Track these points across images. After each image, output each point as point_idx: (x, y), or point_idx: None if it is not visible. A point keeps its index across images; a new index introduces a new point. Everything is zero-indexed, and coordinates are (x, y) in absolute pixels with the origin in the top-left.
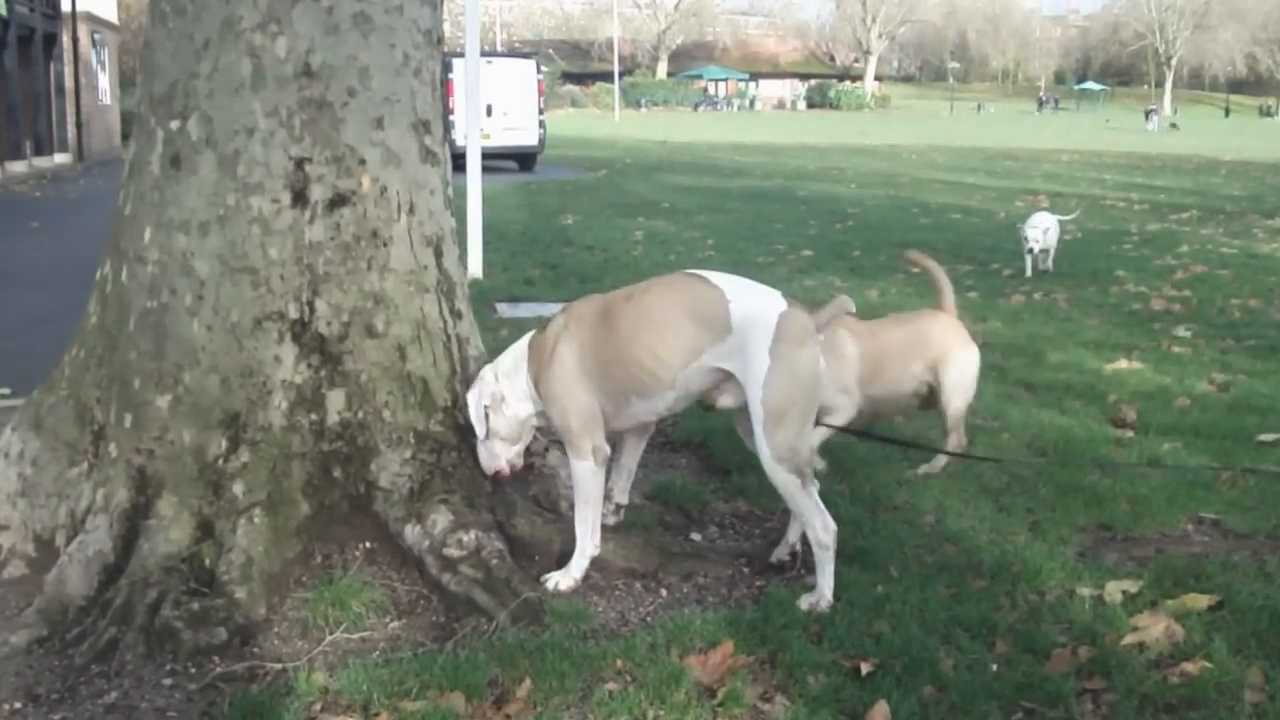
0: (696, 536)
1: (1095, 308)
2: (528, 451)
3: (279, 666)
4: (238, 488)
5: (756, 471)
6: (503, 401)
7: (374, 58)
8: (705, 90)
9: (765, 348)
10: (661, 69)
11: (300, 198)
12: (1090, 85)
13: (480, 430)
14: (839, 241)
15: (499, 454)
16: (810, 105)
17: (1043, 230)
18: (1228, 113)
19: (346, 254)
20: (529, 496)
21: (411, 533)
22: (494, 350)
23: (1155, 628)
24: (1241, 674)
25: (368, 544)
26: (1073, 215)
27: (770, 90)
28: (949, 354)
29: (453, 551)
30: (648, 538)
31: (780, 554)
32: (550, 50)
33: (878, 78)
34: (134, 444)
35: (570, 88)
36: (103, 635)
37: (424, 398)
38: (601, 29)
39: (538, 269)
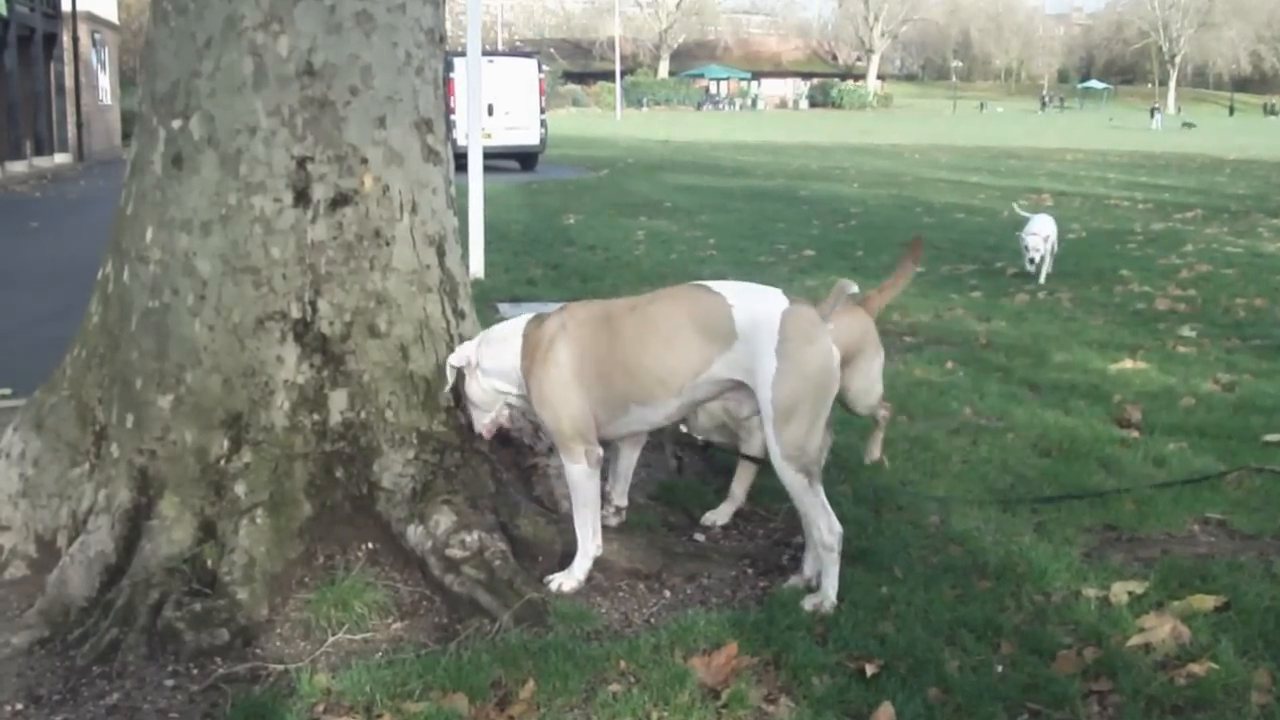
0: (700, 537)
1: (1100, 307)
2: (531, 451)
3: (281, 668)
4: (240, 488)
5: (760, 472)
6: (477, 367)
7: (376, 56)
8: (707, 89)
9: (772, 349)
10: (663, 68)
11: (302, 197)
12: (1094, 84)
13: (449, 382)
14: (842, 241)
15: (475, 418)
16: (812, 104)
17: (1043, 238)
18: (1232, 111)
19: (349, 253)
20: (532, 497)
21: (414, 533)
22: None
23: (1161, 629)
24: (1248, 675)
25: (370, 545)
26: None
27: (772, 89)
28: (861, 352)
29: (455, 552)
30: (651, 538)
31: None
32: (552, 49)
33: (880, 76)
34: (136, 444)
35: (572, 87)
36: (104, 636)
37: (427, 398)
38: (603, 28)
39: (539, 269)
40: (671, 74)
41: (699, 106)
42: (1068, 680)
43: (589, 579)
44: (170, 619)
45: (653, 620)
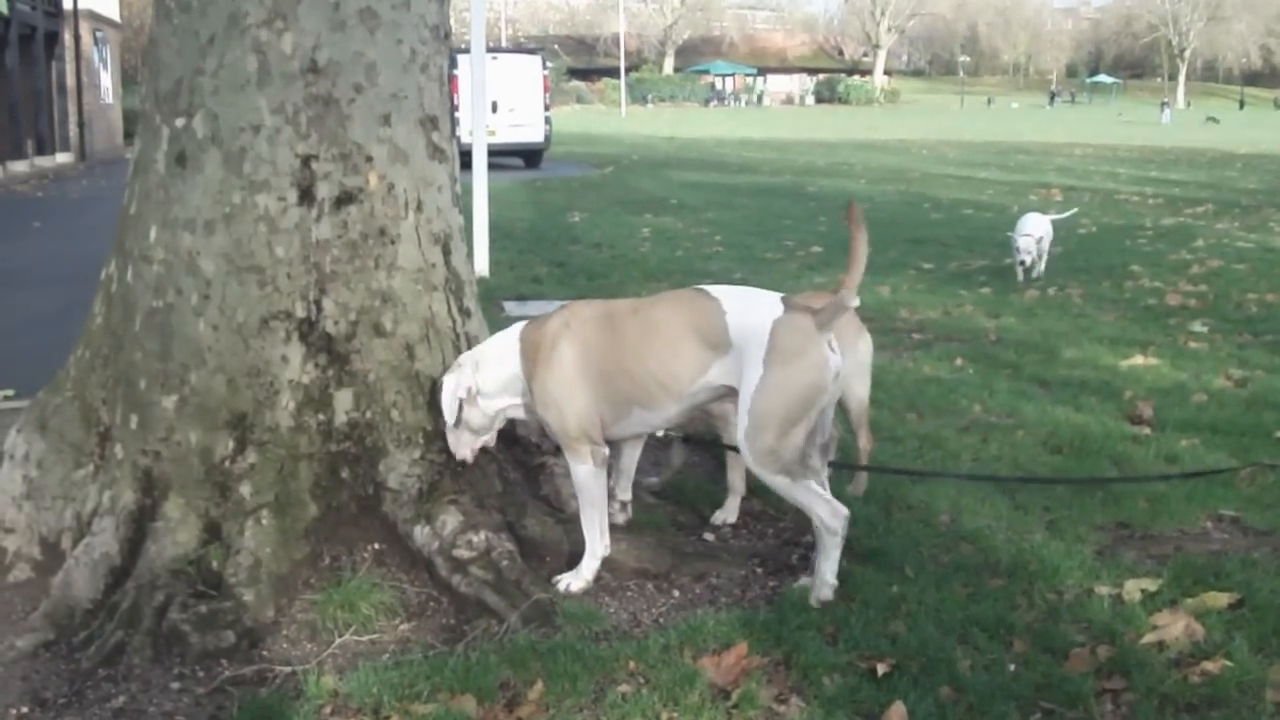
0: (709, 536)
1: (1110, 303)
2: (539, 450)
3: (288, 669)
4: (245, 489)
5: None
6: (478, 394)
7: (381, 54)
8: (713, 85)
9: (759, 358)
10: (668, 64)
11: (307, 195)
12: (1103, 78)
13: (450, 418)
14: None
15: (465, 444)
16: (819, 100)
17: (1036, 239)
18: (1242, 105)
19: (354, 252)
20: (539, 497)
21: (421, 534)
22: None
23: (1175, 626)
24: (1263, 672)
25: (376, 545)
26: (1070, 213)
27: (778, 85)
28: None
29: (463, 553)
30: (660, 538)
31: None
32: (555, 46)
33: (887, 72)
34: (140, 445)
35: (576, 84)
36: (109, 639)
37: (433, 397)
38: (607, 24)
39: (545, 267)
40: (676, 70)
41: (708, 103)
42: (1081, 679)
43: (597, 579)
44: (175, 621)
45: (662, 620)
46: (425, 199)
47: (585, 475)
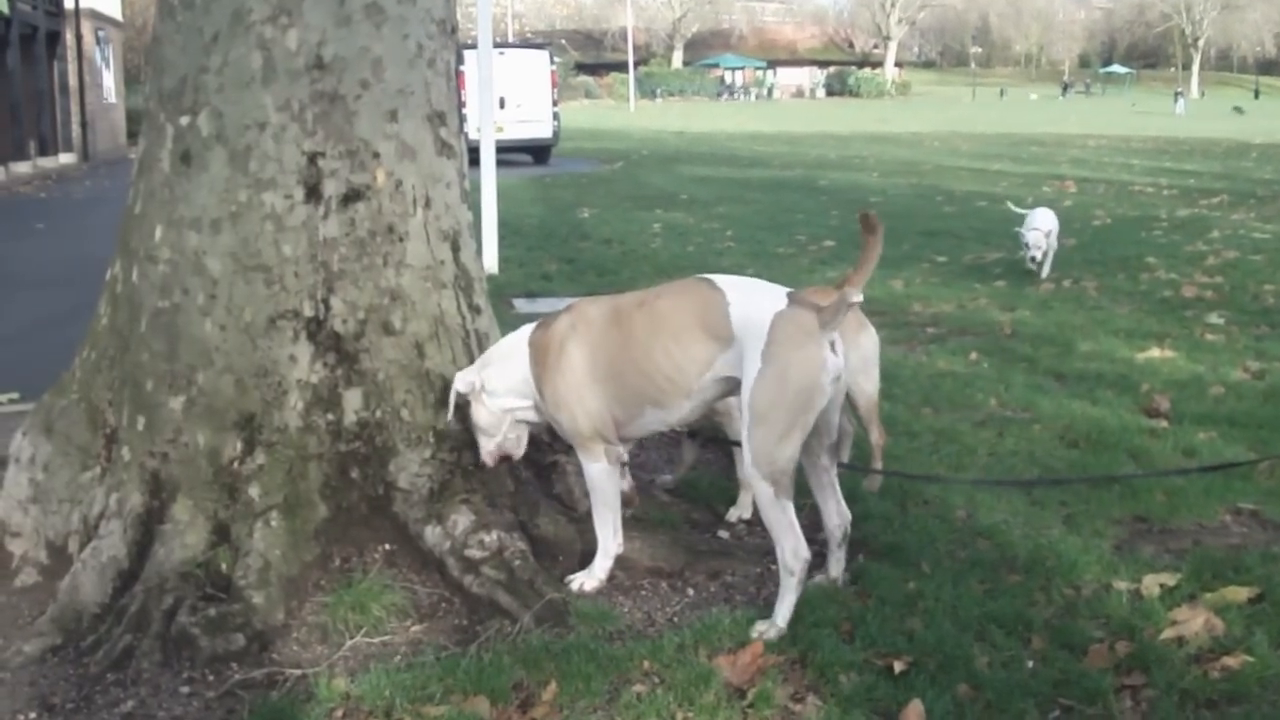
0: (724, 534)
1: (1125, 295)
2: (551, 449)
3: (299, 672)
4: (254, 490)
5: None
6: (483, 392)
7: (387, 49)
8: (722, 79)
9: (759, 350)
10: (677, 58)
11: (314, 193)
12: (1116, 68)
13: (449, 414)
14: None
15: (481, 445)
16: (829, 93)
17: (1044, 233)
18: (1257, 94)
19: (362, 250)
20: (552, 495)
21: (432, 534)
22: None
23: (1194, 621)
24: None
25: (387, 546)
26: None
27: (788, 78)
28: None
29: (474, 552)
30: (674, 536)
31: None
32: (563, 40)
33: (898, 64)
34: (147, 447)
35: (584, 79)
36: (118, 643)
37: (443, 396)
38: (615, 18)
39: (555, 263)
40: (685, 64)
41: (720, 96)
42: (1100, 675)
43: (610, 578)
44: (185, 624)
45: (676, 619)
46: (433, 195)
47: (598, 474)
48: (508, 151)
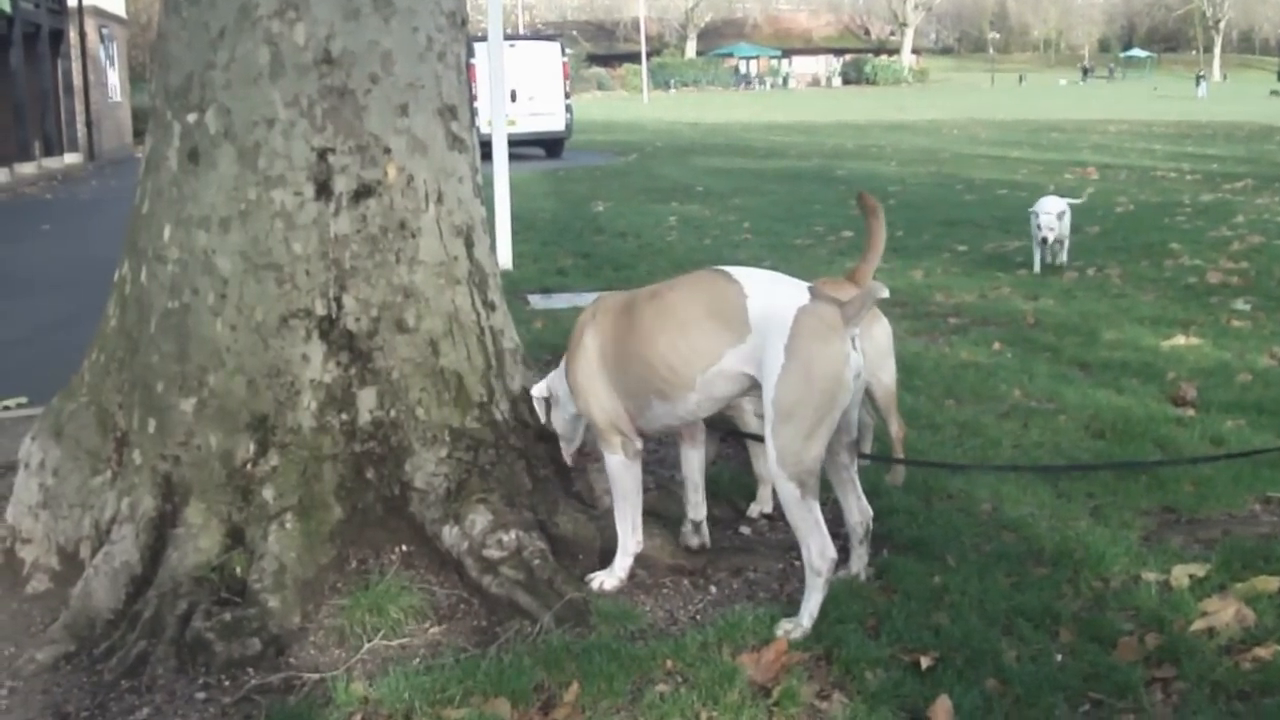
0: (745, 530)
1: (1149, 282)
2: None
3: (316, 676)
4: (268, 492)
5: None
6: (554, 399)
7: (396, 42)
8: (736, 68)
9: (781, 345)
10: (690, 48)
11: (324, 190)
12: (1136, 52)
13: (541, 417)
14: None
15: (562, 448)
16: (846, 81)
17: (1056, 215)
18: None
19: (374, 247)
20: (571, 493)
21: (449, 534)
22: (529, 343)
23: (1225, 612)
24: None
25: (404, 547)
26: (1081, 200)
27: (804, 67)
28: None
29: (493, 552)
30: None
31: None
32: (574, 32)
33: (915, 51)
34: (159, 450)
35: (596, 70)
36: (132, 649)
37: (458, 393)
38: (627, 8)
39: (570, 258)
40: (699, 54)
41: (737, 86)
42: (1130, 668)
43: (631, 576)
44: (200, 630)
45: (699, 617)
46: (446, 190)
47: (616, 466)
48: (520, 145)
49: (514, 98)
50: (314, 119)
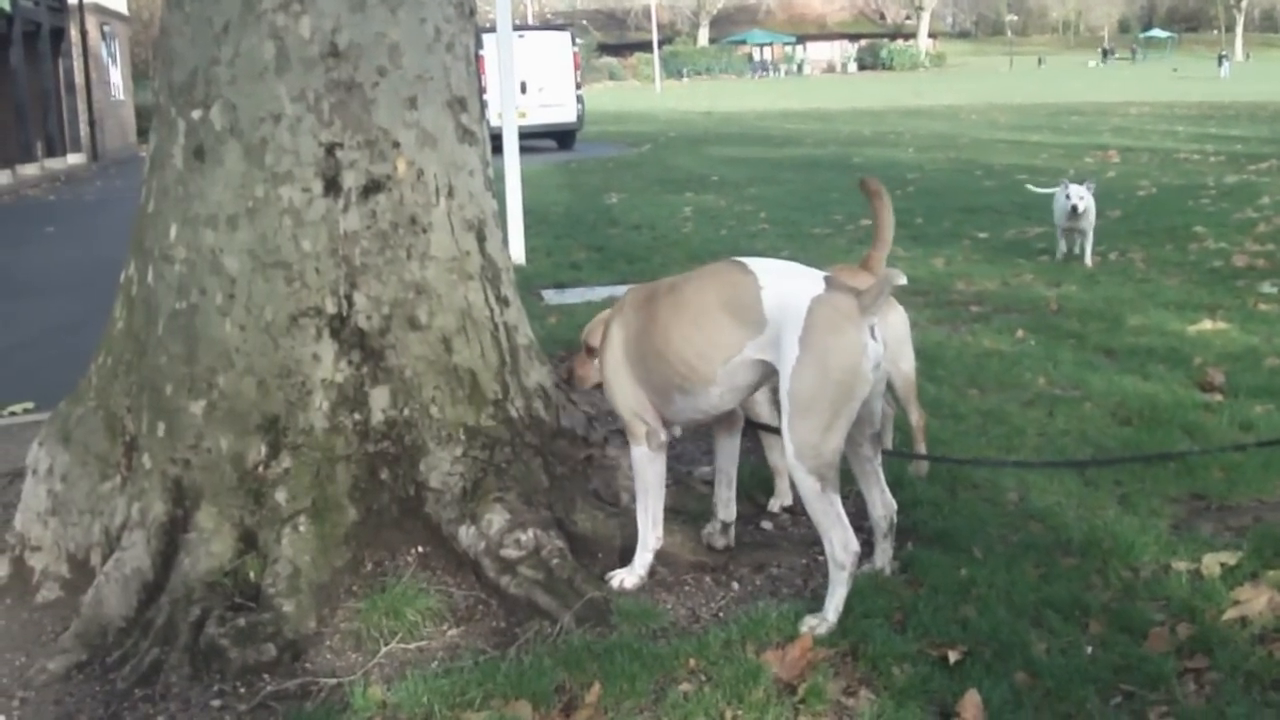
0: (767, 525)
1: (1174, 266)
2: (585, 443)
3: (333, 682)
4: (280, 495)
5: None
6: None
7: (403, 34)
8: (750, 56)
9: (796, 336)
10: (703, 36)
11: (333, 185)
12: (1157, 33)
13: None
14: (900, 209)
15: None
16: (862, 67)
17: (1079, 197)
18: None
19: (384, 243)
20: (589, 490)
21: (466, 534)
22: (542, 339)
23: (1257, 601)
24: None
25: (420, 548)
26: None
27: (818, 53)
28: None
29: (511, 552)
30: None
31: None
32: (584, 21)
33: (932, 35)
34: (169, 454)
35: (607, 60)
36: (145, 657)
37: (473, 391)
38: None
39: (583, 252)
40: (712, 41)
41: (753, 74)
42: (1161, 659)
43: (652, 573)
44: (214, 636)
45: (721, 614)
46: (456, 184)
47: (639, 457)
48: (531, 137)
49: (524, 89)
50: (321, 113)
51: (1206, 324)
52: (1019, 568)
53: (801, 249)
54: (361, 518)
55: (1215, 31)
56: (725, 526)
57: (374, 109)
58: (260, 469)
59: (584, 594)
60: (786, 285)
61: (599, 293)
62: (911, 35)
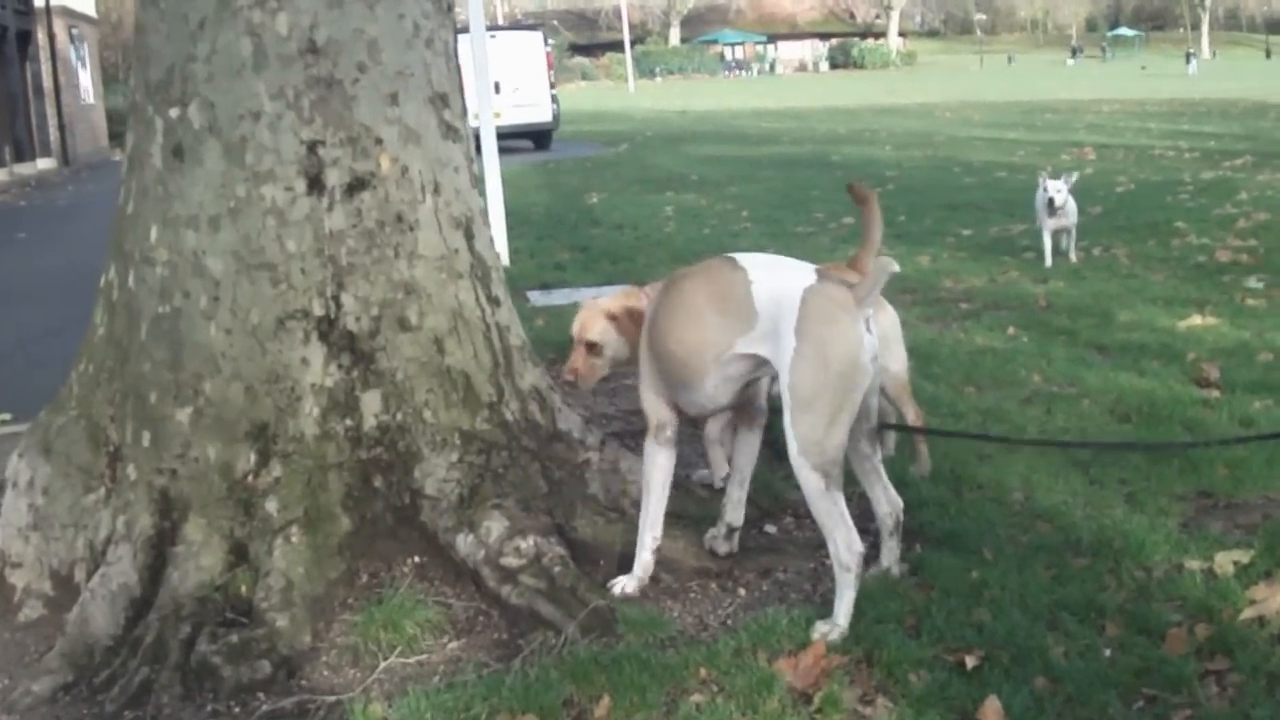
0: (771, 529)
1: (1159, 262)
2: (582, 446)
3: (331, 699)
4: (271, 505)
5: None
6: None
7: (382, 29)
8: (722, 55)
9: (791, 328)
10: (674, 35)
11: (316, 184)
12: (1124, 31)
13: None
14: (882, 207)
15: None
16: (833, 66)
17: (1056, 190)
18: (1269, 54)
19: (370, 242)
20: (588, 495)
21: (464, 543)
22: (531, 341)
23: (1274, 600)
24: None
25: (417, 558)
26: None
27: (790, 52)
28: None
29: (511, 560)
30: None
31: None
32: (555, 21)
33: (902, 33)
34: (154, 464)
35: (580, 60)
36: (134, 677)
37: (467, 394)
38: None
39: (567, 252)
40: (683, 41)
41: (726, 73)
42: (1181, 661)
43: (655, 580)
44: (205, 653)
45: (730, 621)
46: (442, 181)
47: (647, 450)
48: (508, 138)
49: (498, 90)
50: (301, 111)
51: (1196, 319)
52: (1030, 569)
53: (786, 247)
54: (355, 527)
55: (1181, 30)
56: (731, 531)
57: (355, 106)
58: (250, 478)
59: (588, 603)
60: (777, 278)
61: (585, 294)
62: (882, 34)
